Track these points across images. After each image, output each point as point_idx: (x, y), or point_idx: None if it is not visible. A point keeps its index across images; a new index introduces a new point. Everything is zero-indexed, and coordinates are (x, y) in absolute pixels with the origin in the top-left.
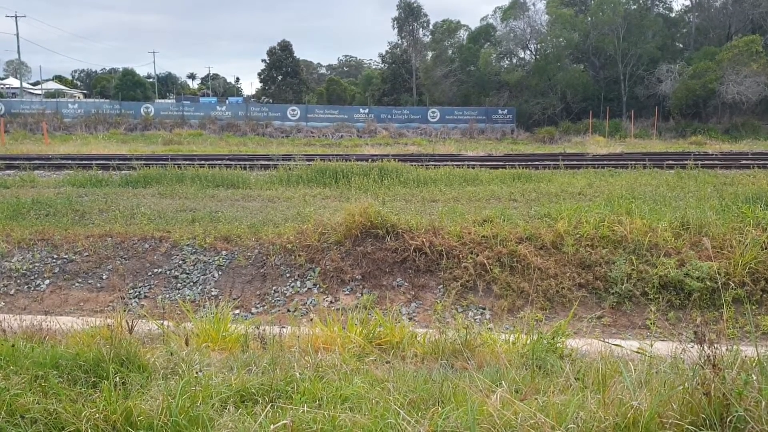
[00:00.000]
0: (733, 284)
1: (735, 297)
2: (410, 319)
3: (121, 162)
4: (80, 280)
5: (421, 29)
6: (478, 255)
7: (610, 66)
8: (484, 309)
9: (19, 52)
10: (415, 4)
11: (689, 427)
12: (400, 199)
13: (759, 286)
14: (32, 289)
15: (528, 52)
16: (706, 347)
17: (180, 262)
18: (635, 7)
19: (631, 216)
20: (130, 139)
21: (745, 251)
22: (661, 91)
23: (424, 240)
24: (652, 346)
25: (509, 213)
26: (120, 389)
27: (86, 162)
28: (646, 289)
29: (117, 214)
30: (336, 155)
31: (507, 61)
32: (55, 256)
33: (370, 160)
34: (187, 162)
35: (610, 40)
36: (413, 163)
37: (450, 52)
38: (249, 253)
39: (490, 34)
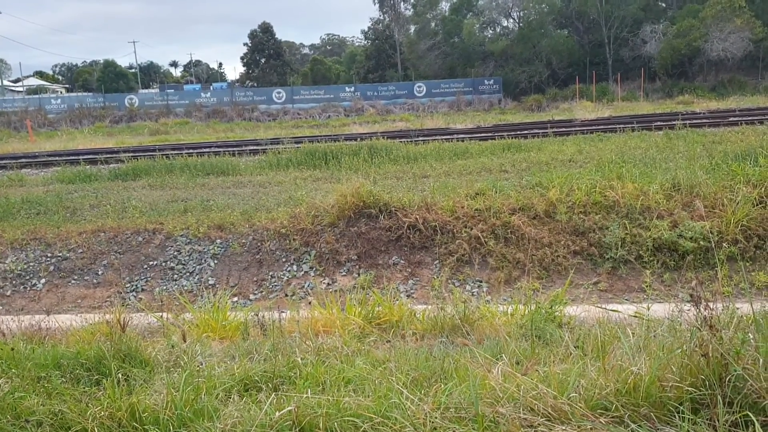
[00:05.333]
0: (726, 243)
1: (729, 255)
2: (408, 296)
3: (108, 155)
4: (76, 277)
5: (402, 3)
6: (472, 228)
7: (594, 30)
8: (481, 282)
9: None
10: None
11: (689, 388)
12: (391, 176)
13: (752, 243)
14: (28, 289)
15: (511, 20)
16: (702, 308)
17: (175, 253)
18: None
19: (622, 180)
20: (116, 131)
21: (737, 209)
22: (646, 52)
23: (418, 217)
24: (649, 309)
25: (501, 184)
26: (123, 385)
27: (73, 158)
28: (640, 252)
29: (108, 208)
30: (324, 136)
31: (490, 31)
32: (49, 255)
33: (358, 138)
34: (176, 152)
35: (592, 4)
36: (402, 140)
37: (433, 24)
38: (243, 240)
39: (472, 4)
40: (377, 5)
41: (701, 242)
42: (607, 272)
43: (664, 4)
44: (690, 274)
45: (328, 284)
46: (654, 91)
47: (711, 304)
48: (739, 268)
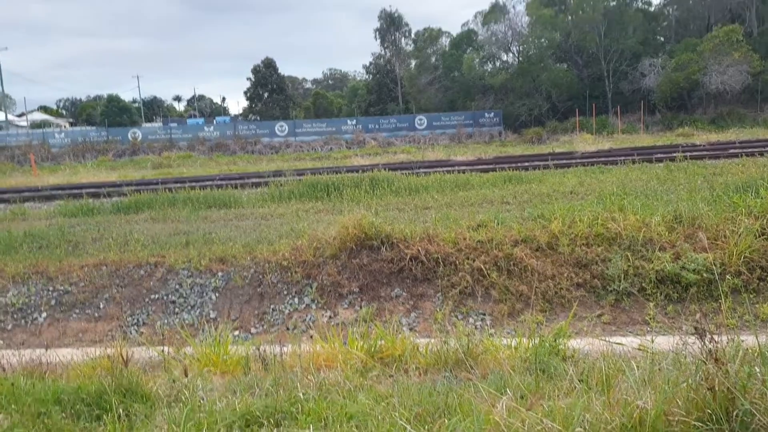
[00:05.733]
0: (729, 274)
1: (732, 287)
2: (411, 329)
3: (111, 189)
4: (77, 311)
5: (403, 38)
6: (474, 260)
7: (594, 63)
8: (485, 314)
9: (2, 84)
10: (396, 14)
11: (696, 423)
12: (393, 208)
13: (755, 275)
14: (29, 323)
15: (511, 54)
16: (707, 341)
17: (176, 286)
18: (614, 3)
19: (623, 212)
20: (119, 165)
21: (739, 240)
22: (646, 85)
23: (420, 248)
24: (653, 342)
25: (503, 216)
26: (124, 421)
27: (76, 191)
28: (643, 284)
29: (110, 242)
30: (326, 168)
31: (490, 65)
32: (51, 289)
33: (360, 170)
34: (178, 185)
35: (591, 38)
36: (403, 171)
37: (433, 59)
38: (245, 273)
39: (472, 39)
40: (378, 41)
41: (704, 274)
42: (610, 304)
43: (662, 38)
44: (694, 306)
45: (330, 317)
46: (654, 123)
47: (716, 337)
48: (743, 300)
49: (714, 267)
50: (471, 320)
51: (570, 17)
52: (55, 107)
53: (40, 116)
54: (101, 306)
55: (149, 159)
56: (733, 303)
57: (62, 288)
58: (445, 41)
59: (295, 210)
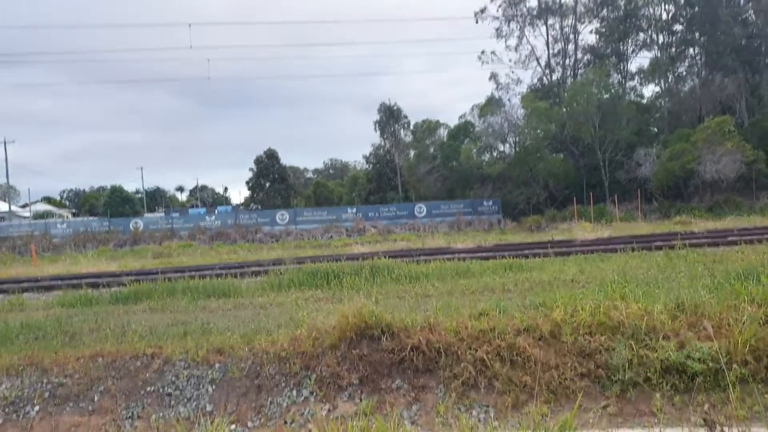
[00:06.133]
0: (736, 364)
1: (739, 377)
2: (412, 423)
3: (110, 279)
4: (71, 404)
5: (402, 130)
6: (476, 350)
7: (589, 153)
8: (488, 406)
9: (8, 176)
10: (395, 107)
11: None
12: (393, 296)
13: (762, 364)
14: (21, 417)
15: (507, 144)
16: None
17: (173, 378)
18: (608, 96)
19: (625, 300)
20: (120, 255)
21: (744, 329)
22: (642, 174)
23: (421, 338)
24: None
25: (504, 304)
26: None
27: (76, 281)
28: (648, 374)
29: (108, 332)
30: (326, 256)
31: (488, 155)
32: (45, 381)
33: (360, 258)
34: (178, 274)
35: (586, 129)
36: (404, 259)
37: (432, 149)
38: (243, 365)
39: (469, 130)
40: (378, 132)
41: (710, 363)
42: (615, 395)
43: (655, 129)
44: (701, 396)
45: (329, 410)
46: (651, 211)
47: (726, 429)
48: (752, 390)
49: (720, 356)
50: (474, 413)
51: (564, 109)
52: (58, 198)
53: (43, 207)
54: (96, 399)
55: (150, 248)
56: (742, 393)
57: (57, 380)
58: (443, 132)
59: (295, 299)
